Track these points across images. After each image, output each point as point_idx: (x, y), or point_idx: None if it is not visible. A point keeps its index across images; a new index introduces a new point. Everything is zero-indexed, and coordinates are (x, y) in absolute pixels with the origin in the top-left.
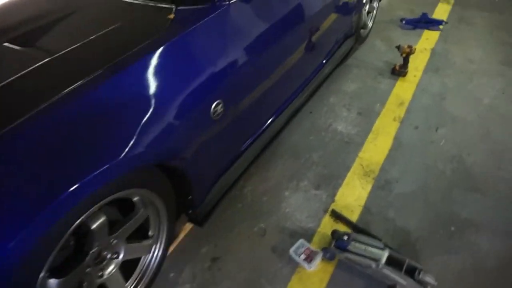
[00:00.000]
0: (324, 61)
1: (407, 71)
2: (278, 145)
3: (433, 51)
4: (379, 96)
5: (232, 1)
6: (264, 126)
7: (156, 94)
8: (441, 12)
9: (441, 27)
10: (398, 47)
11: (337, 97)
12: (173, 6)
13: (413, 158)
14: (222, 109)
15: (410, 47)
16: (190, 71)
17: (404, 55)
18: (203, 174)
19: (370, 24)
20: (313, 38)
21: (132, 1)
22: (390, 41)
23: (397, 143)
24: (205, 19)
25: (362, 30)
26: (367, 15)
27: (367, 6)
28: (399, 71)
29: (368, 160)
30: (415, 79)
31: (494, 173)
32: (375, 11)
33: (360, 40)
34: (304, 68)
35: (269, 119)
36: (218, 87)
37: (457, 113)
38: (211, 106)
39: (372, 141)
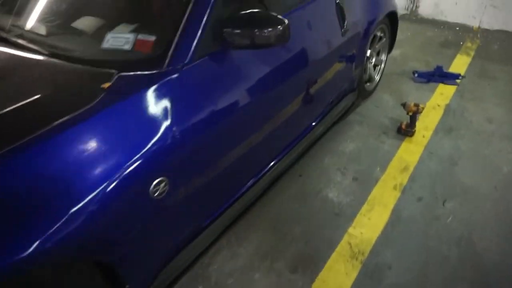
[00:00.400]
0: (315, 122)
1: (415, 131)
2: (257, 214)
3: (447, 108)
4: (380, 158)
5: (187, 66)
6: (234, 198)
7: (73, 175)
8: (459, 64)
9: (458, 81)
10: (404, 105)
11: (332, 158)
12: (114, 71)
13: (412, 237)
14: (166, 187)
15: (417, 105)
16: (120, 148)
17: (410, 113)
18: (145, 260)
19: (377, 78)
20: (301, 98)
21: (70, 64)
22: (399, 96)
23: (395, 218)
24: (150, 88)
25: (367, 84)
26: (374, 68)
27: (373, 59)
28: (405, 131)
29: (358, 238)
30: (423, 140)
31: (510, 264)
32: (383, 64)
33: (364, 94)
34: (289, 130)
35: (241, 189)
36: (159, 163)
37: (469, 183)
38: (150, 185)
39: (366, 214)
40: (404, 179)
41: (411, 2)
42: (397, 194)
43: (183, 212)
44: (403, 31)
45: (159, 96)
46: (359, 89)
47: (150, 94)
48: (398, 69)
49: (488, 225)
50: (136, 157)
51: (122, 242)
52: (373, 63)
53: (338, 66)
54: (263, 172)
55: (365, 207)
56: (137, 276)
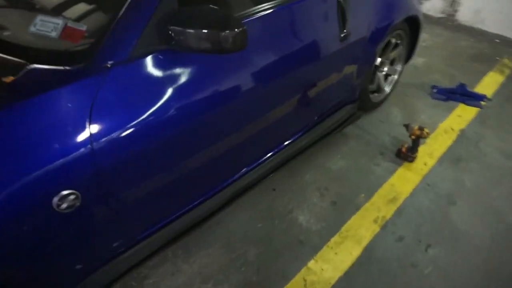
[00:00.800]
0: (299, 133)
1: (416, 157)
2: (214, 228)
3: (461, 134)
4: (369, 183)
5: (120, 65)
6: (182, 211)
7: None
8: (489, 83)
9: (482, 103)
10: (407, 126)
11: (315, 175)
12: (26, 62)
13: (378, 285)
14: (76, 201)
15: (421, 128)
16: (15, 156)
17: (412, 137)
18: (57, 276)
19: (387, 89)
20: (280, 108)
21: None
22: (411, 112)
23: (366, 257)
24: (65, 86)
25: (375, 95)
26: (385, 78)
27: (386, 68)
28: (405, 155)
29: (317, 275)
30: (423, 168)
31: None
32: (396, 75)
33: (369, 106)
34: (262, 141)
35: (190, 203)
36: (66, 175)
37: (463, 228)
38: (53, 198)
39: (334, 247)
40: (389, 212)
41: (450, 5)
42: (376, 228)
43: (104, 226)
44: (435, 36)
45: (76, 97)
46: (362, 100)
47: (63, 94)
48: (417, 81)
49: (472, 284)
50: (37, 167)
51: (24, 261)
52: (384, 73)
53: (333, 74)
54: (220, 186)
55: (335, 239)
56: None
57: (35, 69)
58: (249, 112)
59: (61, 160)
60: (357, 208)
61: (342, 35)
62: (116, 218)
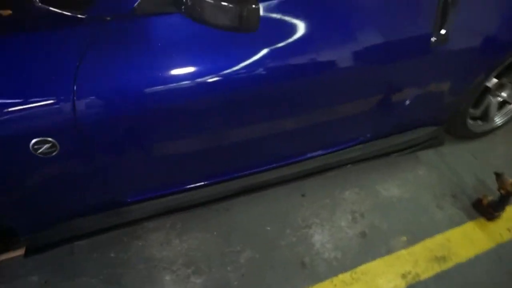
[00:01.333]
0: (352, 141)
1: (499, 216)
2: (221, 213)
3: None
4: (419, 226)
5: (119, 20)
6: (182, 188)
7: None
8: None
9: None
10: (498, 176)
11: (357, 195)
12: (36, 0)
13: None
14: (54, 149)
15: None
16: None
17: (502, 191)
18: (37, 212)
19: (498, 120)
20: (325, 105)
21: None
22: None
23: None
24: (59, 30)
25: (478, 122)
26: (501, 106)
27: (505, 93)
28: (484, 209)
29: None
30: (504, 234)
31: None
32: None
33: (464, 133)
34: (293, 141)
35: (186, 182)
36: (39, 121)
37: None
38: (29, 141)
39: (338, 286)
40: (428, 271)
41: None
42: (401, 285)
43: (84, 180)
44: None
45: (67, 44)
46: (454, 124)
47: (55, 38)
48: None
49: None
50: (17, 105)
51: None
52: (500, 99)
53: (412, 84)
54: (231, 175)
55: (344, 277)
56: (30, 226)
57: (39, 7)
58: (263, 104)
59: (40, 106)
60: (389, 251)
61: (435, 38)
62: (99, 175)
